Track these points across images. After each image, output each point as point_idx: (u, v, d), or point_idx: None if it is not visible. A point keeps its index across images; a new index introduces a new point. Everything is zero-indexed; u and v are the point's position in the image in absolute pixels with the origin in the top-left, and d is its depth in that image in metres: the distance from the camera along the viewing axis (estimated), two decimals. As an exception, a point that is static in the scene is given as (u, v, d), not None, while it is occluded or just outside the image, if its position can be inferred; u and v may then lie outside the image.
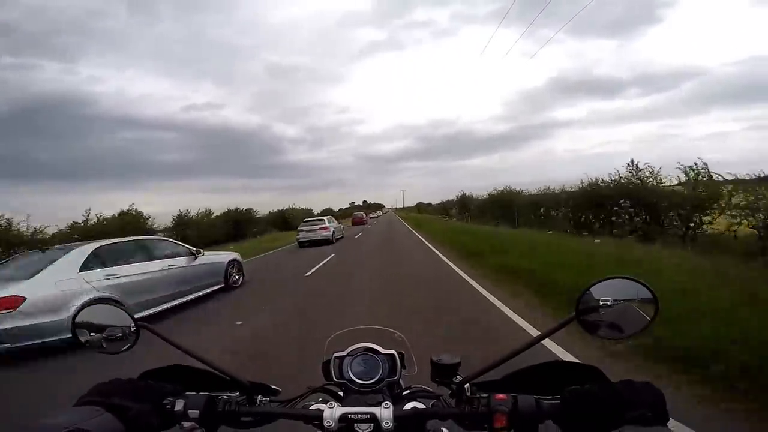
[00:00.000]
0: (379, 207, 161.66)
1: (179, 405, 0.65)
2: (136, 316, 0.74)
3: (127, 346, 0.74)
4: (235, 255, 8.12)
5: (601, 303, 0.63)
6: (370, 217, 61.11)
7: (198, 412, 0.65)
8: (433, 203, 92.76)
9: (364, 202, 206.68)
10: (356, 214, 44.26)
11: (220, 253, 8.01)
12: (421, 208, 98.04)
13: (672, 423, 1.67)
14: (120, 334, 0.74)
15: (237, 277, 7.80)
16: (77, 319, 0.75)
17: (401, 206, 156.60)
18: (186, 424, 0.65)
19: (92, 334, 0.75)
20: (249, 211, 30.74)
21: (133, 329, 0.73)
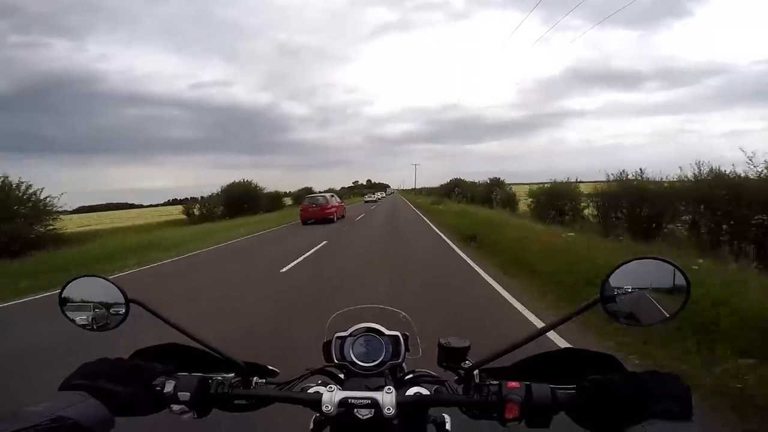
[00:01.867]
0: (383, 187, 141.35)
1: (169, 386, 0.62)
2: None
3: (117, 322, 0.70)
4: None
5: (625, 289, 0.57)
6: (366, 200, 45.36)
7: (189, 394, 0.61)
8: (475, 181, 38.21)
9: (368, 181, 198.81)
10: (310, 200, 19.15)
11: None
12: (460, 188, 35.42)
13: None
14: (110, 310, 0.70)
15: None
16: (64, 294, 0.71)
17: (412, 187, 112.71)
18: (176, 407, 0.62)
19: (82, 309, 0.71)
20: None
21: (123, 305, 0.69)
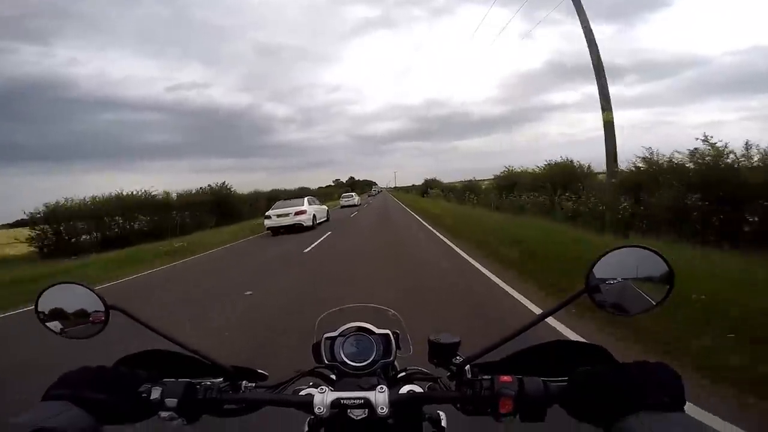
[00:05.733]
0: (363, 185, 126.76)
1: (156, 393, 0.60)
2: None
3: (97, 330, 0.67)
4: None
5: (609, 278, 0.57)
6: (343, 202, 31.06)
7: (176, 400, 0.60)
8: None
9: (351, 178, 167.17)
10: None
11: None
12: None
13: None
14: (89, 318, 0.67)
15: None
16: (40, 304, 0.68)
17: (406, 184, 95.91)
18: (164, 414, 0.60)
19: (59, 317, 0.68)
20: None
21: (103, 312, 0.67)
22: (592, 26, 10.95)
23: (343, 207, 30.91)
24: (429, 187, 41.65)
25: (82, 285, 0.68)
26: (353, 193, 37.56)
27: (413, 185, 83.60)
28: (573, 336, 3.25)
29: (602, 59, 10.86)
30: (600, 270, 0.58)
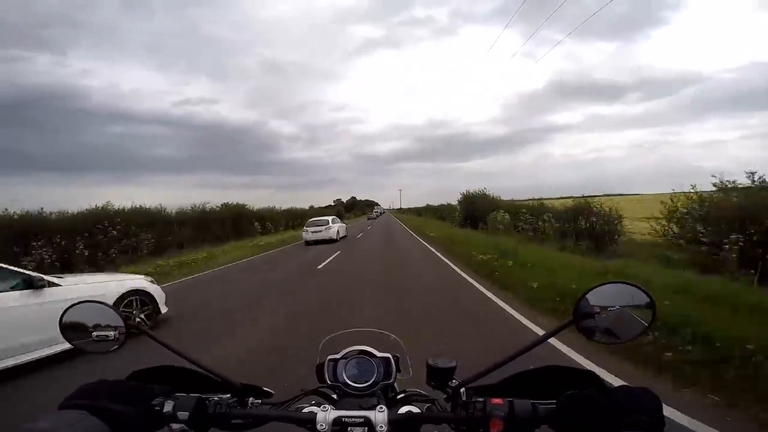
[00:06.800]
0: (368, 206, 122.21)
1: (168, 406, 0.64)
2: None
3: (115, 346, 0.72)
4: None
5: (596, 309, 0.63)
6: (309, 237, 16.54)
7: (187, 413, 0.64)
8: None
9: (352, 198, 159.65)
10: None
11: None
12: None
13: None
14: (109, 334, 0.72)
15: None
16: (64, 319, 0.72)
17: (416, 205, 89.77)
18: (175, 426, 0.64)
19: (81, 332, 0.73)
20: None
21: (122, 329, 0.72)
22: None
23: (308, 244, 17.58)
24: (479, 211, 20.50)
25: (103, 303, 0.73)
26: (329, 218, 19.76)
27: (427, 205, 65.20)
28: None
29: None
30: (586, 302, 0.63)
